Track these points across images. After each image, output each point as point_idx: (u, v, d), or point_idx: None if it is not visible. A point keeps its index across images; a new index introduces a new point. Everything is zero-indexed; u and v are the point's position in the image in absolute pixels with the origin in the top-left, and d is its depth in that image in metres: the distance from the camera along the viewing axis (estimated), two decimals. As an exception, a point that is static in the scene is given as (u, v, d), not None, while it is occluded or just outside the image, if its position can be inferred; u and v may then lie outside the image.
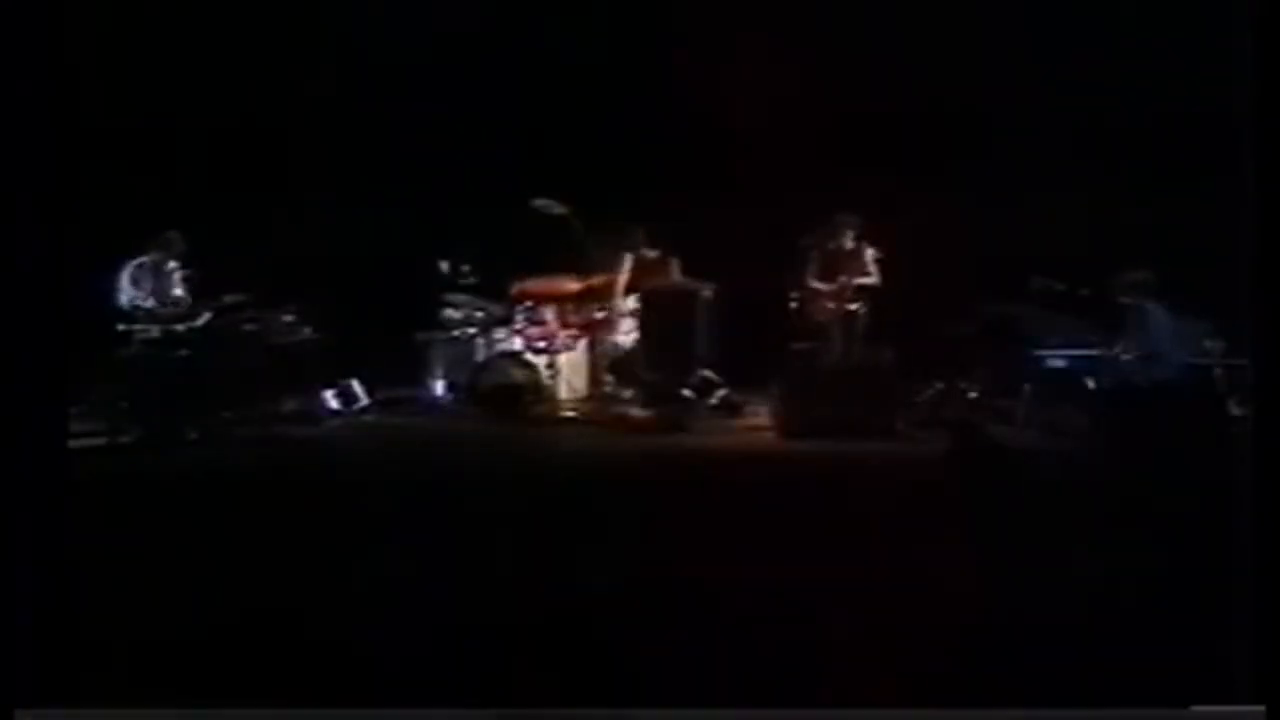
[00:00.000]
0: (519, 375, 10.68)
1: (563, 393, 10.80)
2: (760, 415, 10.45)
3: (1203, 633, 4.66)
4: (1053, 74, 11.11)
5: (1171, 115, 10.54)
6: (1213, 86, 6.18)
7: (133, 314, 10.01)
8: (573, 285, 11.06)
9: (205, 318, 10.07)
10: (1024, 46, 11.13)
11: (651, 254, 10.91)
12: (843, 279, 10.53)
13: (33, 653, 4.43)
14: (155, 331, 9.94)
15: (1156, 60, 10.63)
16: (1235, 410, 8.80)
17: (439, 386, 11.13)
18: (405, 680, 4.64)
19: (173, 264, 10.23)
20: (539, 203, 10.61)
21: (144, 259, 10.17)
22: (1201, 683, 4.20)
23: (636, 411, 10.58)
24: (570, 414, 10.69)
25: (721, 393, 10.73)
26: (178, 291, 10.16)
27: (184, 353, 9.87)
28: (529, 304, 11.05)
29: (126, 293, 10.06)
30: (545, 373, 10.75)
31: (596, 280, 10.97)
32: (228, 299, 10.15)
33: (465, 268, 11.19)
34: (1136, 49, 10.88)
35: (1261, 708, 4.00)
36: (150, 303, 10.05)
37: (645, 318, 10.99)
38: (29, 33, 4.72)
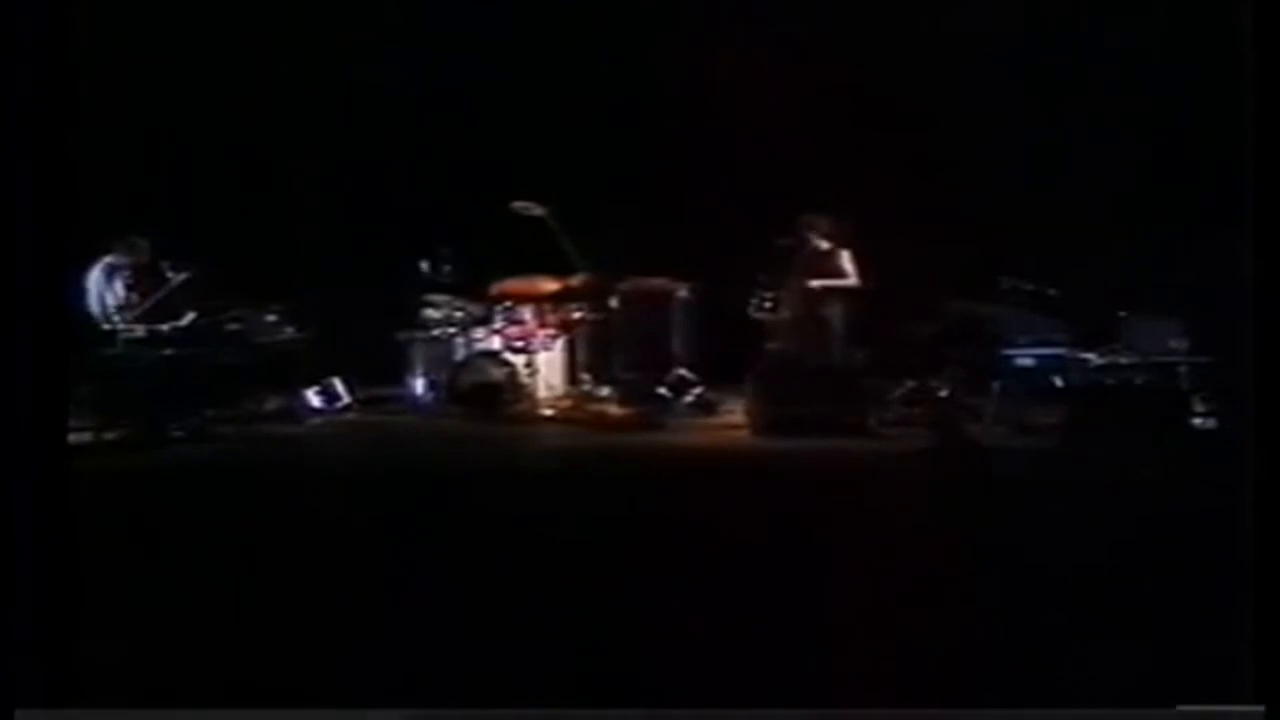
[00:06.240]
0: (497, 374, 10.76)
1: (541, 391, 10.90)
2: (735, 413, 10.56)
3: (1202, 632, 4.72)
4: (1035, 70, 11.18)
5: (1160, 113, 10.65)
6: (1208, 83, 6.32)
7: (98, 315, 10.10)
8: (551, 285, 11.16)
9: (189, 317, 10.14)
10: (1002, 45, 11.25)
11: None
12: (816, 280, 10.65)
13: (33, 653, 4.47)
14: (140, 330, 10.01)
15: (1143, 55, 10.75)
16: (1202, 407, 9.00)
17: (419, 385, 11.18)
18: (397, 679, 4.71)
19: (128, 266, 10.28)
20: (518, 204, 10.73)
21: (108, 260, 10.24)
22: (1201, 683, 4.25)
23: (613, 409, 10.70)
24: (548, 412, 10.80)
25: (697, 391, 10.86)
26: (133, 295, 10.22)
27: (167, 351, 9.92)
28: (508, 304, 11.14)
29: (91, 294, 10.14)
30: (523, 372, 10.85)
31: (575, 280, 11.07)
32: (172, 277, 10.16)
33: (445, 268, 11.26)
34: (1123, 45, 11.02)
35: (1261, 708, 4.02)
36: (110, 303, 10.13)
37: (622, 317, 11.12)
38: (28, 33, 4.75)
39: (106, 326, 10.04)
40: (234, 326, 10.27)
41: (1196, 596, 5.14)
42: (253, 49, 11.71)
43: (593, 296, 11.14)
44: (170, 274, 10.20)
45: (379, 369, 11.28)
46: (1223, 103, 4.86)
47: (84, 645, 4.68)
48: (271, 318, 10.50)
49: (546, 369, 11.00)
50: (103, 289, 10.17)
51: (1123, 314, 9.74)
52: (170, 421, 9.68)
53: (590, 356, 11.21)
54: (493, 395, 10.69)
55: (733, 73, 11.25)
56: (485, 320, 11.15)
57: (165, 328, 10.04)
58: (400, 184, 11.66)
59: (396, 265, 11.19)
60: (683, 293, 11.11)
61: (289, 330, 10.57)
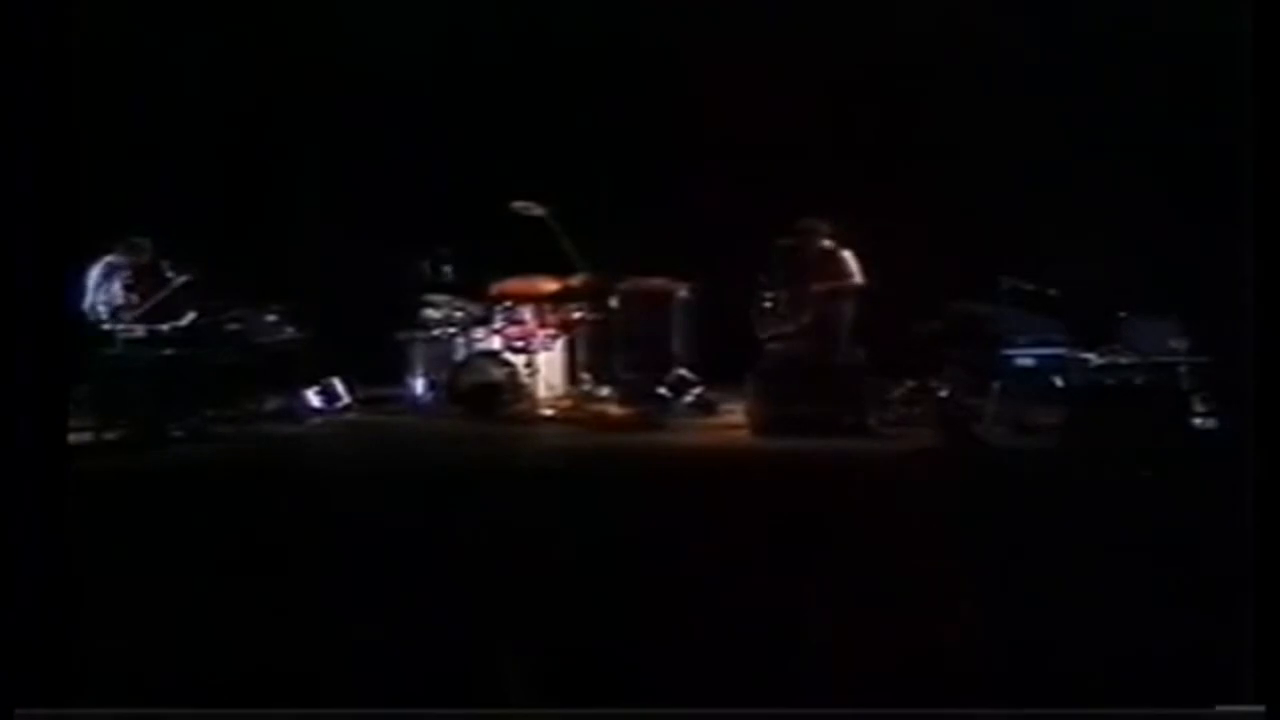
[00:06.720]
0: (497, 374, 10.79)
1: (541, 391, 10.91)
2: (735, 413, 10.57)
3: (1202, 632, 4.72)
4: (1034, 69, 11.17)
5: (1160, 113, 10.63)
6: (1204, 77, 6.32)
7: (98, 315, 10.16)
8: (551, 285, 11.18)
9: (189, 317, 10.15)
10: (1002, 44, 11.25)
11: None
12: (817, 280, 10.65)
13: (33, 653, 4.46)
14: (140, 330, 10.04)
15: (1143, 54, 10.75)
16: (1202, 407, 9.00)
17: (419, 385, 11.21)
18: (398, 679, 4.71)
19: (128, 266, 10.31)
20: (518, 204, 10.76)
21: (108, 260, 10.26)
22: (1201, 682, 4.24)
23: (613, 409, 10.71)
24: (548, 412, 10.81)
25: (697, 391, 10.87)
26: (133, 295, 10.24)
27: (167, 351, 9.95)
28: (508, 304, 11.16)
29: (91, 294, 10.19)
30: (524, 371, 10.86)
31: (575, 280, 11.09)
32: (173, 278, 10.18)
33: (445, 268, 11.28)
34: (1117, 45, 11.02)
35: (1261, 708, 4.00)
36: (110, 303, 10.15)
37: (622, 317, 11.13)
38: (28, 33, 4.74)
39: (106, 326, 10.06)
40: (234, 326, 10.31)
41: (1196, 597, 5.15)
42: (253, 49, 11.73)
43: (593, 296, 11.17)
44: (171, 274, 10.22)
45: (379, 369, 11.30)
46: (1223, 101, 4.86)
47: (84, 645, 4.67)
48: (271, 318, 10.55)
49: (546, 369, 11.03)
50: (103, 289, 10.20)
51: (1123, 314, 9.74)
52: (170, 421, 9.71)
53: (590, 356, 11.24)
54: (493, 395, 10.72)
55: (733, 72, 11.24)
56: (485, 320, 11.19)
57: (165, 328, 10.08)
58: (400, 184, 11.68)
59: (396, 265, 11.21)
60: (683, 293, 11.14)
61: (289, 330, 10.62)
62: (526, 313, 11.12)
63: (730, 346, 10.73)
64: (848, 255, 10.63)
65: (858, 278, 10.60)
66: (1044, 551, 6.16)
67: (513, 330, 11.08)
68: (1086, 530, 6.57)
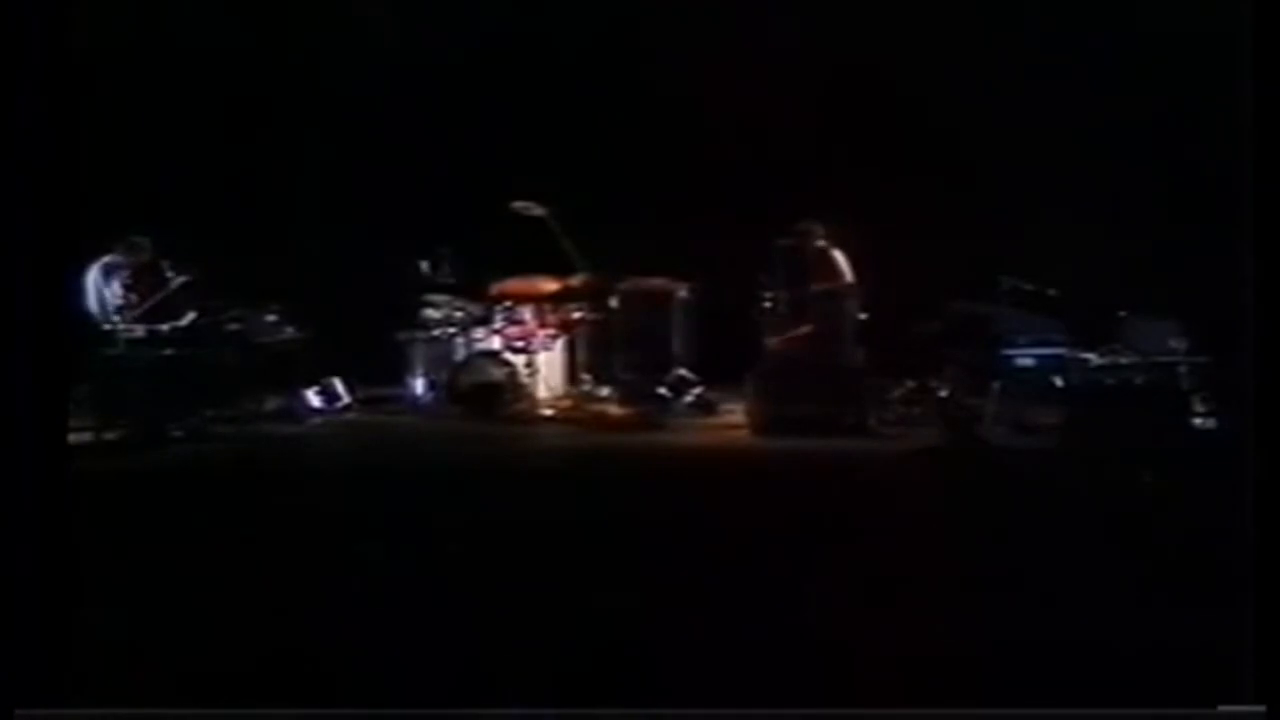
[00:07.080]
0: (497, 374, 10.80)
1: (541, 391, 10.92)
2: (735, 413, 10.58)
3: (1202, 632, 4.71)
4: (1034, 69, 11.15)
5: (1160, 112, 10.63)
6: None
7: (98, 315, 10.13)
8: (551, 285, 11.19)
9: (189, 317, 10.15)
10: (1002, 44, 11.25)
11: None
12: (817, 280, 10.66)
13: (33, 653, 4.46)
14: (140, 330, 10.03)
15: (1143, 54, 10.73)
16: (1202, 407, 8.99)
17: (419, 385, 11.21)
18: (398, 679, 4.72)
19: (128, 266, 10.31)
20: (518, 204, 10.77)
21: (107, 260, 10.27)
22: (1201, 682, 4.24)
23: (613, 409, 10.72)
24: (548, 412, 10.81)
25: (697, 391, 10.88)
26: (133, 295, 10.24)
27: (167, 351, 9.95)
28: (508, 304, 11.17)
29: (91, 294, 10.17)
30: (524, 371, 10.87)
31: (575, 280, 11.10)
32: (172, 278, 10.18)
33: (445, 268, 11.29)
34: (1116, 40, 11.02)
35: (1262, 708, 4.00)
36: (110, 303, 10.16)
37: (622, 317, 11.14)
38: (28, 33, 4.74)
39: (106, 326, 10.06)
40: (234, 326, 10.31)
41: (1197, 596, 5.16)
42: (254, 49, 11.74)
43: (593, 296, 11.18)
44: (171, 274, 10.22)
45: (379, 369, 11.30)
46: (1223, 103, 4.86)
47: (84, 645, 4.67)
48: (271, 318, 10.55)
49: (546, 369, 11.03)
50: (102, 289, 10.19)
51: (1123, 314, 9.74)
52: (170, 421, 9.71)
53: (590, 356, 11.25)
54: (493, 395, 10.72)
55: (733, 73, 11.25)
56: (485, 320, 11.19)
57: (165, 328, 10.07)
58: (400, 184, 11.69)
59: (396, 265, 11.21)
60: (683, 293, 11.15)
61: (289, 330, 10.62)
62: (526, 313, 11.13)
63: (730, 346, 10.73)
64: (847, 255, 10.64)
65: (856, 278, 10.60)
66: (1044, 551, 6.17)
67: (513, 330, 11.08)
68: (1087, 530, 6.58)
